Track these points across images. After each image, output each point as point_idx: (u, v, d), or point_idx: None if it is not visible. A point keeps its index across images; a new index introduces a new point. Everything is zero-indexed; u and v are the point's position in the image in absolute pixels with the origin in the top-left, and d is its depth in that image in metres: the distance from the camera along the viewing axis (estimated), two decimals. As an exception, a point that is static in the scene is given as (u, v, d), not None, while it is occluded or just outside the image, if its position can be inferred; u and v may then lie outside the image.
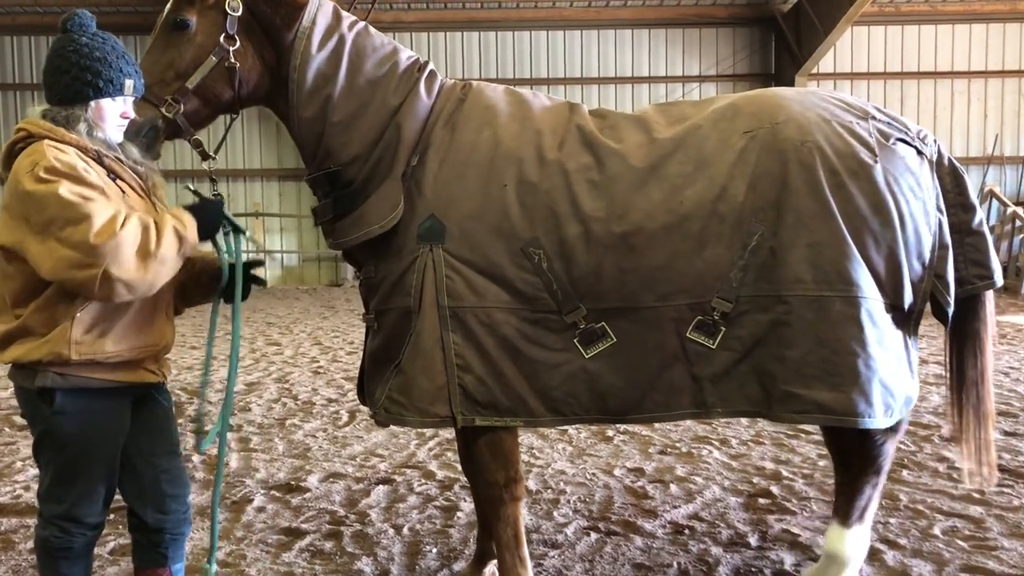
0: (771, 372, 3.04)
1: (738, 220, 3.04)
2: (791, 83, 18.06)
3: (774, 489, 4.95)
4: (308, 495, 4.96)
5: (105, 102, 2.81)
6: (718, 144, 3.12)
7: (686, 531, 4.34)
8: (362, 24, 3.31)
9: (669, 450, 5.78)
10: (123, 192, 2.82)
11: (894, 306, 3.10)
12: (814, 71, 18.71)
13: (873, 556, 3.91)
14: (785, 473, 5.24)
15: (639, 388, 3.11)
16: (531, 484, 5.06)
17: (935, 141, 3.31)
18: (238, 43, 3.12)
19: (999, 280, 3.32)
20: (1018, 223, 16.95)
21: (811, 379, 3.00)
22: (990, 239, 3.33)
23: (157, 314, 2.93)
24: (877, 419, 3.04)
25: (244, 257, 3.10)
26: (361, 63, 3.20)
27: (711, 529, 4.37)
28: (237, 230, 3.08)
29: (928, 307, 3.21)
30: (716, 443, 5.92)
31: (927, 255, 3.13)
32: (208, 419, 3.27)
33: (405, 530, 4.40)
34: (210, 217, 2.92)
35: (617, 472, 5.31)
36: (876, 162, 3.06)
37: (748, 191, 3.05)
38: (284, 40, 3.16)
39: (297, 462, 5.63)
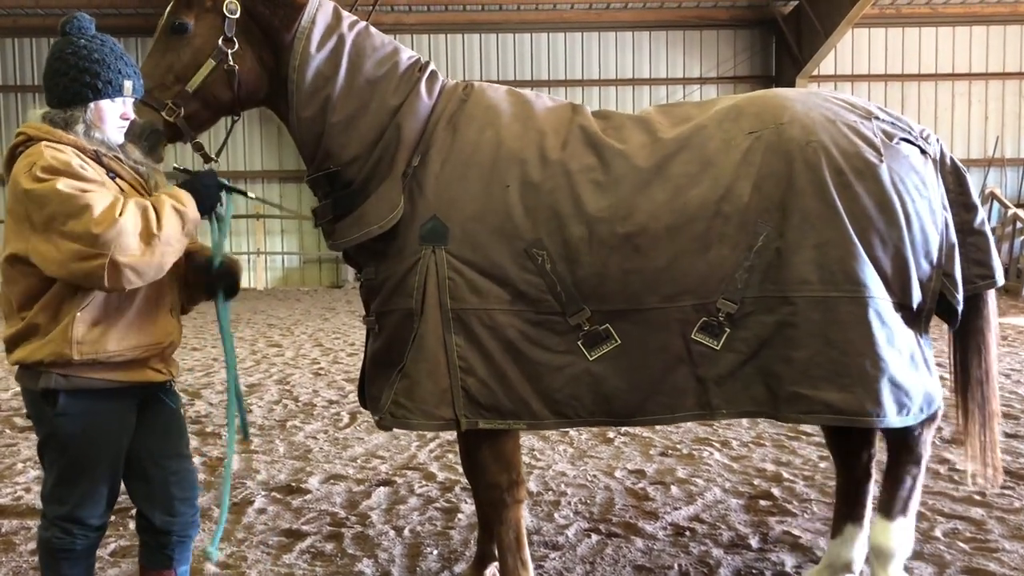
0: (777, 373, 3.03)
1: (743, 221, 3.03)
2: (792, 85, 18.05)
3: (775, 491, 4.94)
4: (309, 497, 4.96)
5: (104, 103, 2.82)
6: (722, 144, 3.11)
7: (687, 533, 4.34)
8: (363, 24, 3.30)
9: (670, 452, 5.78)
10: (122, 190, 2.82)
11: (903, 305, 3.09)
12: (815, 73, 18.72)
13: (874, 558, 3.91)
14: (786, 475, 5.24)
15: (643, 390, 3.09)
16: (532, 486, 5.06)
17: (938, 140, 3.31)
18: (236, 45, 3.11)
19: (1000, 279, 3.32)
20: (1019, 225, 16.95)
21: (819, 380, 2.99)
22: (991, 238, 3.33)
23: (160, 311, 2.93)
24: (890, 418, 3.02)
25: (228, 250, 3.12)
26: (361, 63, 3.18)
27: (712, 531, 4.36)
28: (237, 191, 3.09)
29: None
30: (717, 445, 5.92)
31: (935, 254, 3.12)
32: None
33: (406, 532, 4.40)
34: (206, 189, 2.93)
35: (618, 474, 5.31)
36: (881, 161, 3.05)
37: (753, 191, 3.04)
38: (283, 41, 3.15)
39: (298, 464, 5.63)
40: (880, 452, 3.57)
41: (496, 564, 3.59)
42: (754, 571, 3.89)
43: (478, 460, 3.29)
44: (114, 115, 2.85)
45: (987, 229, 3.31)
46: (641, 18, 19.28)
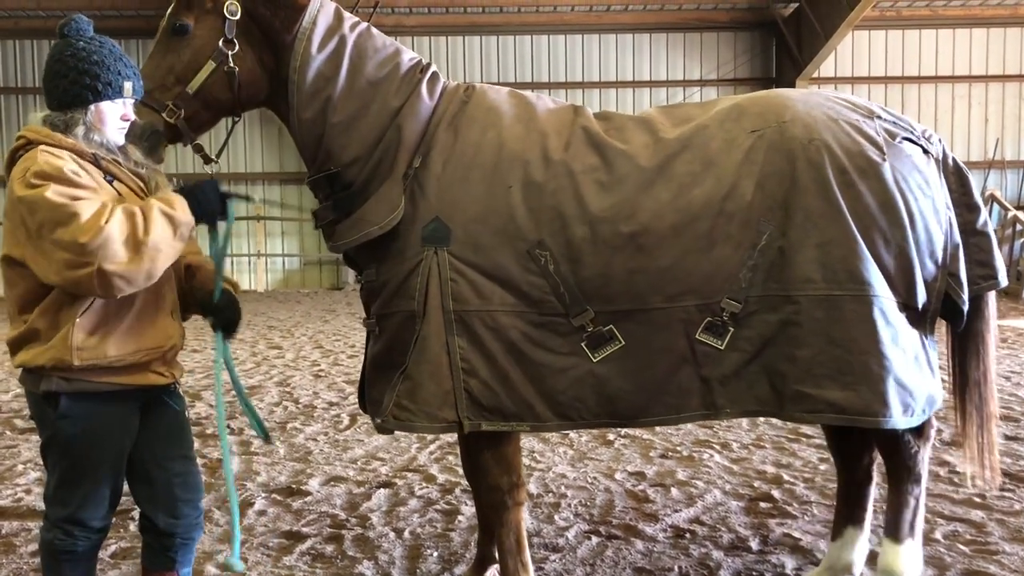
0: (781, 372, 3.03)
1: (746, 219, 3.02)
2: (792, 87, 18.01)
3: (775, 493, 4.94)
4: (309, 499, 4.96)
5: (104, 105, 2.81)
6: (725, 144, 3.11)
7: (687, 535, 4.34)
8: (364, 25, 3.30)
9: (670, 454, 5.78)
10: (119, 195, 2.82)
11: (907, 305, 3.08)
12: (815, 75, 18.72)
13: (875, 560, 3.90)
14: (786, 477, 5.23)
15: (648, 391, 3.08)
16: (532, 488, 5.05)
17: (940, 140, 3.31)
18: (237, 47, 3.11)
19: (1004, 280, 3.31)
20: (1019, 227, 16.95)
21: (822, 378, 2.98)
22: (994, 239, 3.32)
23: (160, 315, 2.92)
24: (895, 419, 3.01)
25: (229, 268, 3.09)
26: (362, 64, 3.18)
27: (712, 533, 4.36)
28: (240, 198, 3.03)
29: None
30: (717, 447, 5.92)
31: (939, 253, 3.11)
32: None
33: (406, 534, 4.40)
34: (203, 194, 2.86)
35: (618, 476, 5.31)
36: (884, 160, 3.05)
37: (756, 190, 3.03)
38: (284, 42, 3.15)
39: (298, 466, 5.63)
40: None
41: (496, 566, 3.59)
42: (754, 573, 3.89)
43: (479, 463, 3.29)
44: (114, 116, 2.85)
45: (990, 230, 3.30)
46: (641, 20, 19.28)
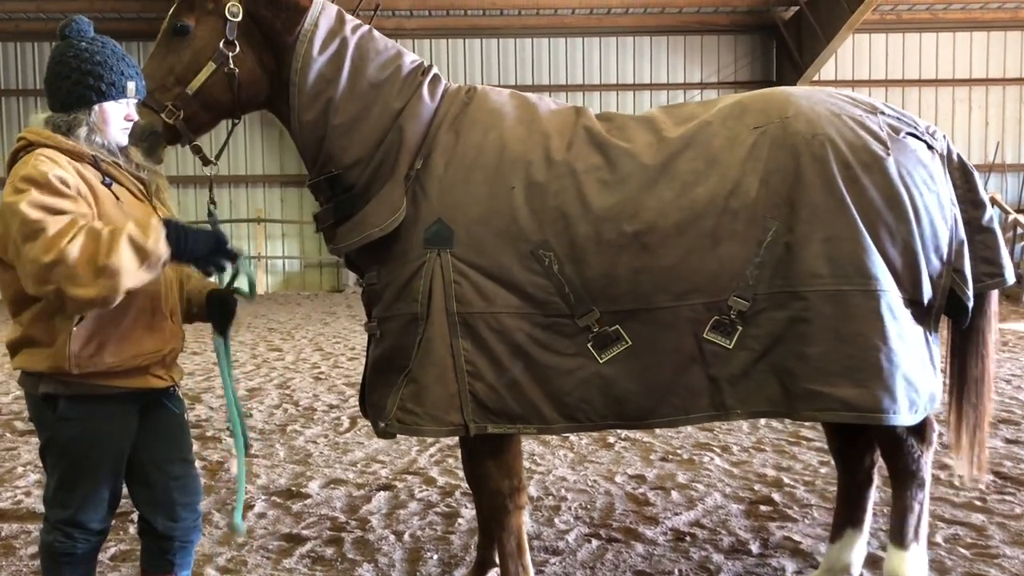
0: (791, 370, 3.00)
1: (751, 216, 3.01)
2: (792, 90, 18.04)
3: (776, 496, 4.94)
4: (309, 501, 4.95)
5: (108, 105, 2.80)
6: (728, 141, 3.09)
7: (687, 538, 4.33)
8: (366, 28, 3.30)
9: (670, 457, 5.77)
10: (117, 198, 2.80)
11: (913, 301, 3.06)
12: (815, 79, 18.73)
13: (875, 564, 3.90)
14: (787, 480, 5.23)
15: (656, 392, 3.06)
16: (532, 491, 5.05)
17: (944, 137, 3.29)
18: (238, 48, 3.11)
19: (1011, 277, 3.27)
20: (1019, 230, 16.96)
21: (833, 375, 2.95)
22: (1000, 236, 3.29)
23: (158, 319, 2.91)
24: (902, 415, 2.99)
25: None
26: (364, 66, 3.17)
27: (712, 536, 4.36)
28: (234, 256, 2.85)
29: None
30: (717, 450, 5.91)
31: (944, 249, 3.09)
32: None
33: (406, 536, 4.39)
34: (193, 239, 2.69)
35: (618, 479, 5.30)
36: (888, 155, 3.03)
37: (760, 187, 3.02)
38: (285, 43, 3.15)
39: (298, 468, 5.63)
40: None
41: (496, 569, 3.58)
42: (755, 576, 3.88)
43: (481, 467, 3.28)
44: (118, 117, 2.84)
45: (996, 227, 3.27)
46: (642, 23, 19.30)
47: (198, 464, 5.46)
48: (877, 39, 19.46)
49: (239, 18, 3.10)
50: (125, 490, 3.04)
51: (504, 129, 3.18)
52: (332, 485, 5.25)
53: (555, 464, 5.61)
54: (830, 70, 19.15)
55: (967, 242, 3.17)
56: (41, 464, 3.06)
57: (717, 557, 4.08)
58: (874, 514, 3.74)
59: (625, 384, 3.05)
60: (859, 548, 3.63)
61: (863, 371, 2.94)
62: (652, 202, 3.03)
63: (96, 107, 2.79)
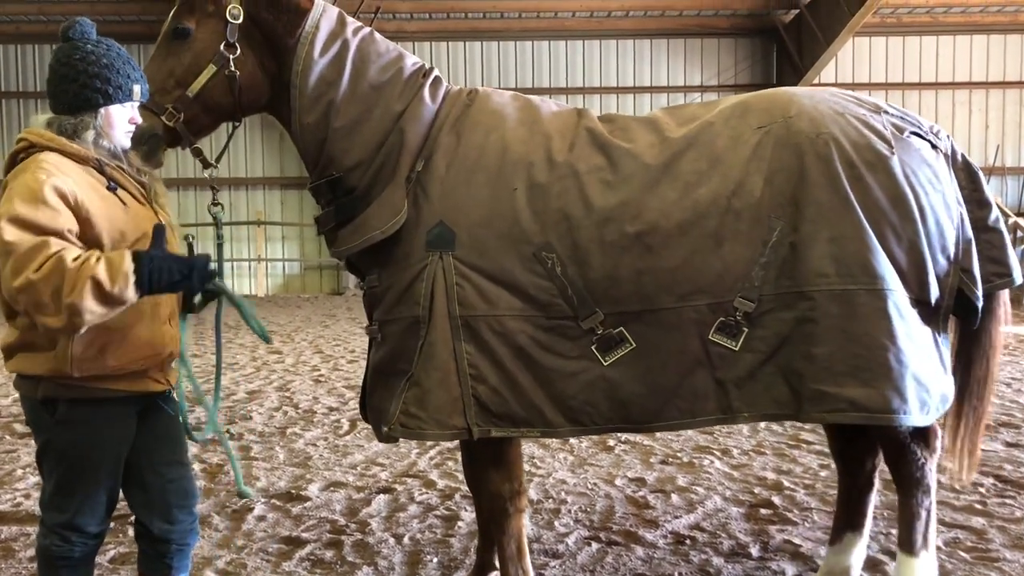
0: (799, 371, 2.98)
1: (756, 216, 2.99)
2: (793, 93, 18.03)
3: (776, 499, 4.93)
4: (309, 504, 4.95)
5: (114, 109, 2.80)
6: (731, 141, 3.08)
7: (687, 541, 4.33)
8: (367, 30, 3.29)
9: (670, 460, 5.77)
10: (123, 203, 2.80)
11: (920, 301, 3.04)
12: (816, 82, 18.71)
13: (875, 567, 3.90)
14: (787, 483, 5.22)
15: (661, 395, 3.04)
16: (532, 494, 5.04)
17: (948, 136, 3.28)
18: (238, 51, 3.11)
19: (1019, 278, 3.24)
20: (1019, 234, 16.94)
21: (841, 376, 2.93)
22: (1007, 236, 3.26)
23: (157, 323, 2.90)
24: (913, 415, 2.97)
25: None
26: (365, 68, 3.17)
27: (712, 539, 4.35)
28: (219, 292, 2.80)
29: None
30: (717, 453, 5.91)
31: (951, 249, 3.07)
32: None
33: (406, 539, 4.39)
34: (169, 273, 2.62)
35: (618, 482, 5.30)
36: (892, 154, 3.01)
37: (765, 186, 3.00)
38: (286, 46, 3.14)
39: (298, 471, 5.62)
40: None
41: (496, 572, 3.58)
42: (755, 580, 3.88)
43: (481, 470, 3.27)
44: (123, 120, 2.83)
45: (1002, 226, 3.24)
46: (642, 26, 19.30)
47: (197, 467, 5.47)
48: (877, 42, 19.46)
49: (240, 20, 3.10)
50: (122, 493, 3.04)
51: (506, 131, 3.17)
52: (332, 488, 5.25)
53: (555, 467, 5.61)
54: (830, 73, 19.15)
55: (974, 242, 3.15)
56: (37, 468, 3.05)
57: (717, 560, 4.08)
58: (874, 518, 3.73)
59: (630, 387, 3.03)
60: (859, 551, 3.63)
61: (871, 371, 2.92)
62: (655, 202, 3.02)
63: (102, 110, 2.78)
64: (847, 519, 3.63)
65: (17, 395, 2.96)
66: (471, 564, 3.94)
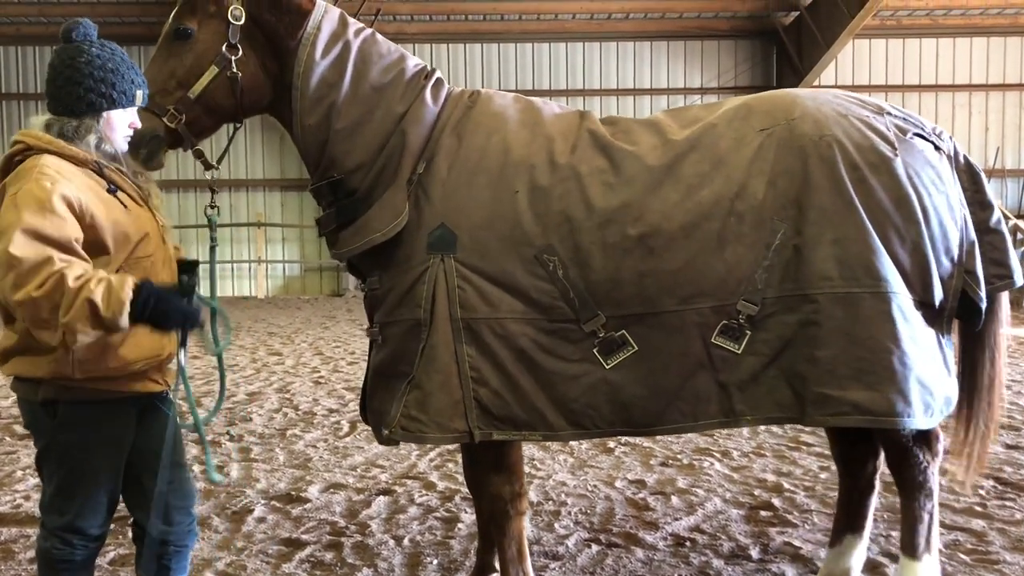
0: (802, 374, 2.97)
1: (759, 219, 2.99)
2: (793, 95, 18.03)
3: (776, 502, 4.93)
4: (309, 506, 4.95)
5: (116, 113, 2.80)
6: (734, 143, 3.08)
7: (687, 543, 4.32)
8: (369, 31, 3.29)
9: (670, 462, 5.76)
10: (124, 205, 2.79)
11: (924, 303, 3.03)
12: (816, 84, 18.73)
13: (875, 569, 3.90)
14: (787, 486, 5.22)
15: (663, 398, 3.03)
16: (532, 496, 5.04)
17: (951, 138, 3.28)
18: (240, 52, 3.10)
19: (1019, 278, 3.24)
20: (1019, 236, 16.95)
21: (845, 379, 2.92)
22: (1008, 237, 3.26)
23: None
24: (916, 418, 2.96)
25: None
26: (367, 70, 3.17)
27: (712, 541, 4.35)
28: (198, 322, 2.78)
29: None
30: (717, 455, 5.91)
31: (955, 251, 3.07)
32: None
33: (406, 541, 4.38)
34: (163, 310, 2.60)
35: (618, 484, 5.30)
36: (896, 155, 3.01)
37: (768, 189, 3.00)
38: (288, 47, 3.14)
39: (298, 472, 5.62)
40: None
41: (497, 575, 3.58)
42: (755, 582, 3.88)
43: (481, 472, 3.27)
44: (123, 124, 2.84)
45: (1004, 228, 3.24)
46: (642, 28, 19.31)
47: (197, 468, 5.47)
48: (877, 44, 19.48)
49: (242, 21, 3.10)
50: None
51: (507, 133, 3.17)
52: (332, 489, 5.25)
53: (555, 469, 5.61)
54: (830, 75, 19.15)
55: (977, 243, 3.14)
56: (36, 471, 3.04)
57: (717, 562, 4.08)
58: (874, 520, 3.73)
59: (632, 390, 3.02)
60: (859, 554, 3.63)
61: (875, 374, 2.91)
62: (657, 204, 3.02)
63: (104, 114, 2.78)
64: (847, 521, 3.63)
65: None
66: (471, 566, 3.94)
